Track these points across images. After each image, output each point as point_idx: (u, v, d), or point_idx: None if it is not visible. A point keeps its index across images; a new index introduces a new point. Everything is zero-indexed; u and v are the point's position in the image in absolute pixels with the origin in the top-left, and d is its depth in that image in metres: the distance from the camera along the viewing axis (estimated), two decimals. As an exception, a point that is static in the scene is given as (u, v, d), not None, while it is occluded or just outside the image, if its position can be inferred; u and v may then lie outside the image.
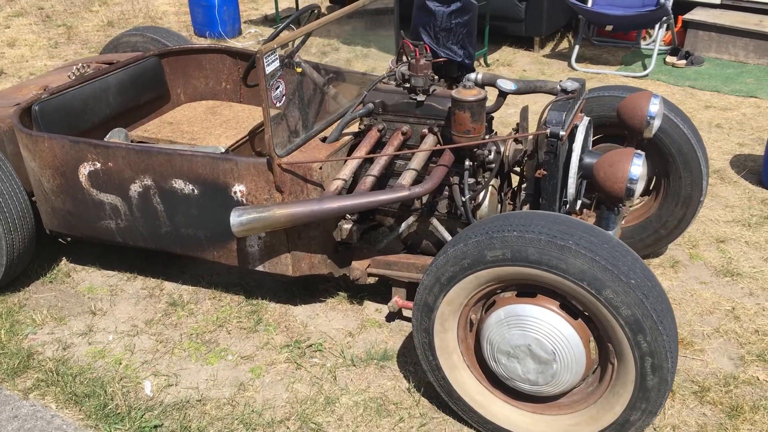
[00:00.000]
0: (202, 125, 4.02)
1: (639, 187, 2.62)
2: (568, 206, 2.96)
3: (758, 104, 5.95)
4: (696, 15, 7.13)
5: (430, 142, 3.09)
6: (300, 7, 8.35)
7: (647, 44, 7.39)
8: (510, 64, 7.00)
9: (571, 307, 2.43)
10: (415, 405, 2.88)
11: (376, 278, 3.26)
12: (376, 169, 3.03)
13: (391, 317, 3.41)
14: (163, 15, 8.90)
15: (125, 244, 3.41)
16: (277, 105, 2.89)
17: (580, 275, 2.25)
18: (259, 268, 3.23)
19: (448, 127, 3.09)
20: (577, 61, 6.93)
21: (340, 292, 3.56)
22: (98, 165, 3.15)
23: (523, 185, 3.17)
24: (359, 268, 3.18)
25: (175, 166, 3.06)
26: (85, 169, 3.18)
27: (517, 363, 2.47)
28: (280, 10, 8.37)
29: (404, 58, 3.40)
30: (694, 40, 7.13)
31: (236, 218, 2.89)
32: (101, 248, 3.92)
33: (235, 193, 3.04)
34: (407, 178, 2.93)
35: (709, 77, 6.62)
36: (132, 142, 3.94)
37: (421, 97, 3.08)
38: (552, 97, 2.92)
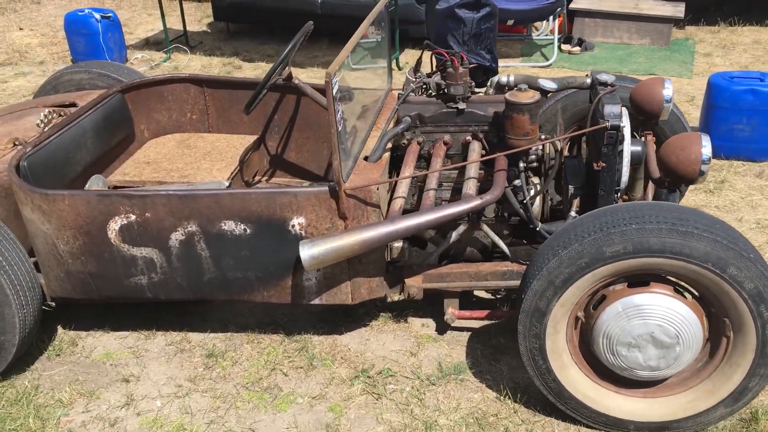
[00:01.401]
0: (184, 161, 3.76)
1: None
2: (619, 194, 3.06)
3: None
4: (580, 4, 7.60)
5: (476, 148, 3.08)
6: (186, 28, 7.98)
7: (538, 35, 7.77)
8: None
9: (681, 290, 2.53)
10: (513, 413, 2.87)
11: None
12: (433, 182, 2.99)
13: (441, 329, 3.37)
14: (28, 48, 8.16)
15: (154, 299, 3.11)
16: (339, 129, 2.76)
17: (704, 257, 2.34)
18: (316, 301, 3.07)
19: (491, 131, 3.10)
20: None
21: (381, 314, 3.47)
22: (133, 217, 2.85)
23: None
24: (415, 285, 3.12)
25: (224, 207, 2.83)
26: (116, 224, 2.87)
27: (638, 352, 2.53)
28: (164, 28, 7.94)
29: (420, 68, 3.38)
30: (582, 27, 7.59)
31: (308, 252, 2.74)
32: (100, 309, 3.55)
33: (293, 226, 2.87)
34: (471, 187, 2.91)
35: (605, 60, 7.09)
36: (112, 188, 3.60)
37: (462, 105, 3.07)
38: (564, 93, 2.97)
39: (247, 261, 2.95)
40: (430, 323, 3.42)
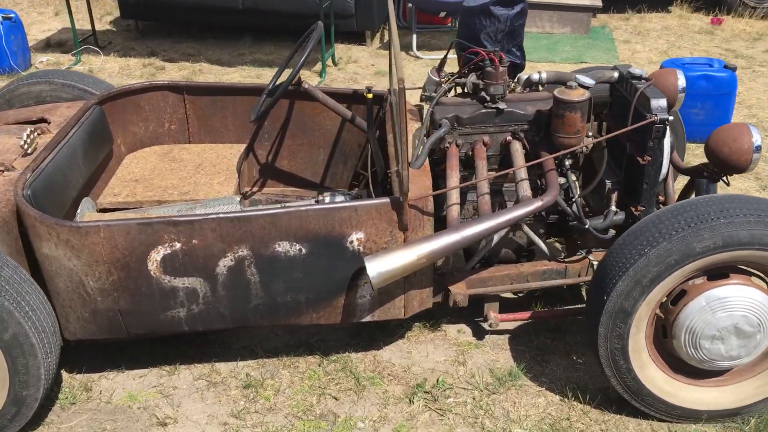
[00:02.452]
0: (176, 176, 3.46)
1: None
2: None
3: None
4: (503, -6, 7.68)
5: (518, 148, 3.01)
6: (95, 26, 7.39)
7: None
8: (356, 61, 6.96)
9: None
10: (583, 414, 2.85)
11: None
12: (485, 186, 2.89)
13: (479, 334, 3.30)
14: None
15: (190, 331, 2.84)
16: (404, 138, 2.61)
17: None
18: (367, 318, 2.91)
19: (531, 130, 3.05)
20: (414, 47, 7.10)
21: (414, 324, 3.34)
22: (177, 246, 2.56)
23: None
24: (460, 293, 3.02)
25: (280, 228, 2.61)
26: (158, 255, 2.57)
27: (720, 344, 2.56)
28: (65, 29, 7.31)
29: (443, 69, 3.27)
30: (505, 17, 7.68)
31: (375, 270, 2.58)
32: (109, 347, 3.19)
33: (352, 242, 2.69)
34: (527, 189, 2.84)
35: (534, 50, 7.21)
36: (101, 211, 3.26)
37: (502, 105, 2.99)
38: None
39: (299, 283, 2.74)
40: (465, 329, 3.34)
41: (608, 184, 3.12)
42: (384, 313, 2.91)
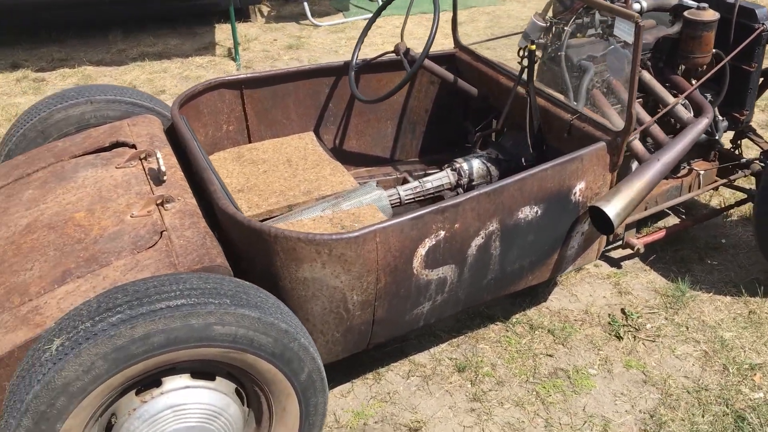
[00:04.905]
0: (275, 177, 3.13)
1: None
2: None
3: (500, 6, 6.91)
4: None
5: (649, 77, 3.14)
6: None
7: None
8: (255, 38, 6.57)
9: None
10: (763, 303, 3.12)
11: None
12: (647, 117, 3.00)
13: (616, 263, 3.44)
14: None
15: (422, 326, 2.66)
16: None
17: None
18: (569, 268, 2.93)
19: (654, 57, 3.19)
20: (304, 18, 6.88)
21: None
22: (442, 234, 2.36)
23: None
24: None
25: (525, 192, 2.51)
26: (423, 249, 2.35)
27: None
28: None
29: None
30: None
31: (613, 212, 2.60)
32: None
33: (575, 194, 2.68)
34: (686, 111, 3.00)
35: (418, 1, 7.29)
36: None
37: (630, 38, 3.08)
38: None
39: (529, 247, 2.67)
40: (599, 263, 3.45)
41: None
42: (583, 260, 2.94)
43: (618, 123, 2.72)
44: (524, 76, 2.99)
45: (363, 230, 2.20)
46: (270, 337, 2.01)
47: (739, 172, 3.42)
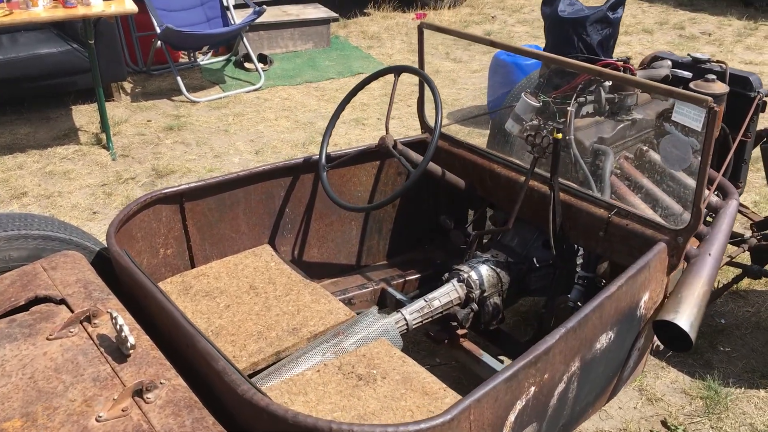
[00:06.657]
0: (245, 313, 2.49)
1: None
2: None
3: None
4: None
5: (655, 156, 2.83)
6: None
7: (204, 61, 6.96)
8: (126, 120, 5.72)
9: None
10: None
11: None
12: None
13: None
14: None
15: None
16: None
17: None
18: (622, 389, 2.49)
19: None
20: (177, 94, 6.14)
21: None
22: (532, 390, 1.82)
23: None
24: None
25: (604, 318, 2.04)
26: (513, 415, 1.79)
27: None
28: None
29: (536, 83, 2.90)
30: (248, 43, 7.11)
31: (686, 323, 2.20)
32: None
33: (641, 308, 2.25)
34: (712, 195, 2.70)
35: (298, 71, 6.83)
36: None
37: (638, 115, 2.77)
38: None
39: (597, 380, 2.20)
40: (611, 363, 3.06)
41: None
42: (634, 378, 2.52)
43: (676, 219, 2.35)
44: (536, 164, 2.56)
45: (455, 409, 1.61)
46: None
47: (739, 248, 3.18)
